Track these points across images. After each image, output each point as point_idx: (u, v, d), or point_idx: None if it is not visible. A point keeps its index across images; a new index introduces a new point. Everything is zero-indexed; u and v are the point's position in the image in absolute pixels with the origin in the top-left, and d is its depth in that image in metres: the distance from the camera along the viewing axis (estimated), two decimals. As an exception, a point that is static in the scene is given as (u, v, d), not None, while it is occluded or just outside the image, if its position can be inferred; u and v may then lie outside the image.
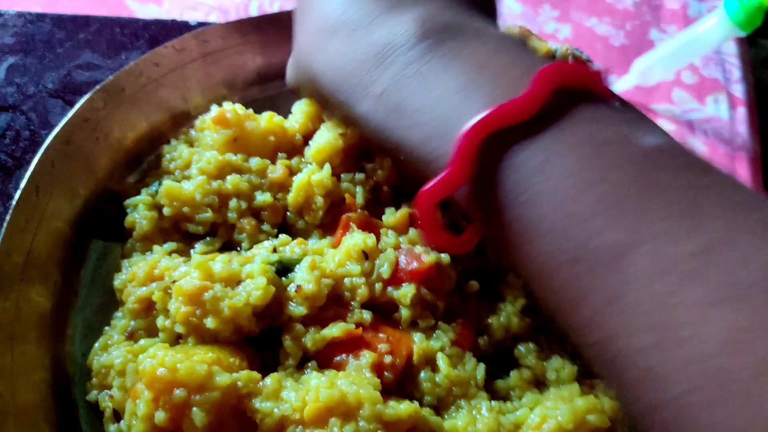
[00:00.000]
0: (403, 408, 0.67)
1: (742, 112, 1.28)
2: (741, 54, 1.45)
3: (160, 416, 0.64)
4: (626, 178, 0.48)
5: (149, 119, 0.90)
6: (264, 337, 0.74)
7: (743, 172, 1.21)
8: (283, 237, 0.80)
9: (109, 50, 1.00)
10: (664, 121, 1.27)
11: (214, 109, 0.85)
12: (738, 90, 1.34)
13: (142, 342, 0.73)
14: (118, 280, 0.77)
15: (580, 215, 0.48)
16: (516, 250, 0.55)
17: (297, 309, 0.73)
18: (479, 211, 0.59)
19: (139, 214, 0.80)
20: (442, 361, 0.73)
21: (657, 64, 1.20)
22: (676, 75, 1.36)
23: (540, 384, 0.78)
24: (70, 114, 0.81)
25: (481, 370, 0.75)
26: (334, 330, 0.72)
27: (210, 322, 0.69)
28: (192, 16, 1.19)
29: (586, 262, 0.48)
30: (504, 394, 0.77)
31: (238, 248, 0.82)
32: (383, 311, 0.77)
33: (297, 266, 0.75)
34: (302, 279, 0.73)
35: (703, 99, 1.32)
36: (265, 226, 0.82)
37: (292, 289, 0.73)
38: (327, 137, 0.83)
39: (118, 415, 0.70)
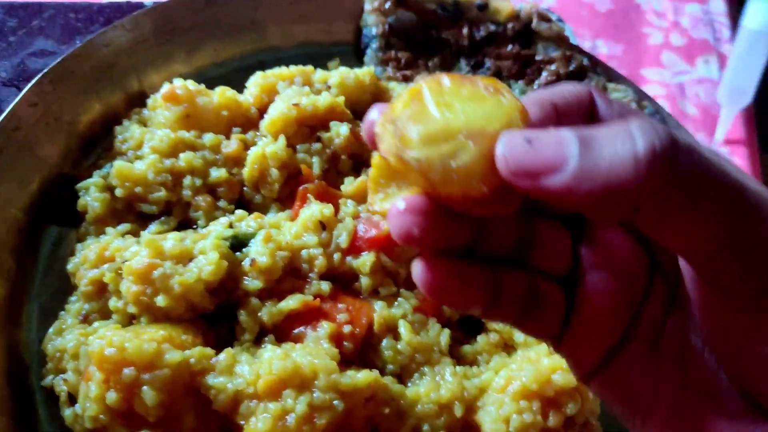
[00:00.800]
0: (360, 377, 0.65)
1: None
2: (730, 13, 1.41)
3: (112, 396, 0.62)
4: None
5: (102, 101, 0.88)
6: (221, 313, 0.72)
7: (738, 130, 1.17)
8: (239, 212, 0.78)
9: (63, 36, 0.98)
10: (655, 86, 1.24)
11: (165, 86, 0.83)
12: (728, 50, 1.31)
13: (95, 325, 0.71)
14: (71, 264, 0.76)
15: None
16: None
17: (252, 283, 0.71)
18: None
19: (90, 196, 0.79)
20: (403, 328, 0.72)
21: (740, 81, 1.13)
22: (664, 38, 1.33)
23: (509, 347, 0.76)
24: (16, 100, 0.80)
25: (445, 336, 0.73)
26: (291, 302, 0.71)
27: (161, 300, 0.67)
28: None
29: None
30: (472, 359, 0.75)
31: (195, 226, 0.80)
32: (343, 281, 0.75)
33: (252, 240, 0.74)
34: (256, 252, 0.72)
35: (693, 60, 1.29)
36: (222, 203, 0.81)
37: (246, 263, 0.72)
38: (280, 108, 0.81)
39: (73, 399, 0.69)
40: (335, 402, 0.63)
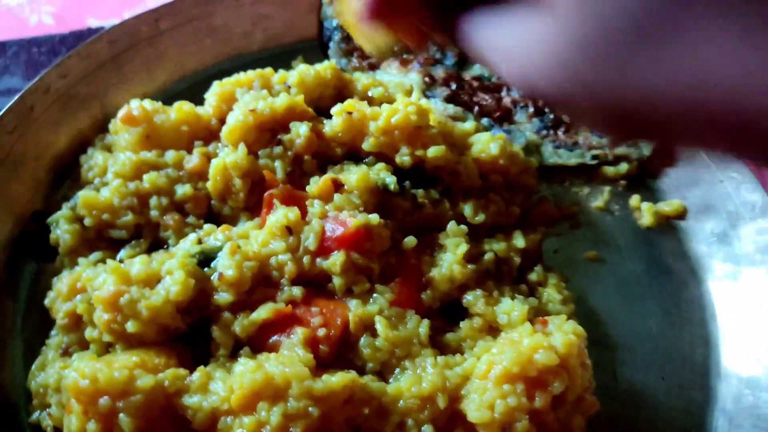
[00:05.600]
0: (335, 380, 0.64)
1: None
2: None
3: (92, 427, 0.63)
4: None
5: (68, 132, 0.88)
6: (197, 331, 0.72)
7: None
8: (207, 227, 0.78)
9: (28, 72, 0.99)
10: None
11: (123, 109, 0.82)
12: None
13: (74, 357, 0.72)
14: (48, 299, 0.76)
15: None
16: None
17: (222, 297, 0.70)
18: None
19: (61, 229, 0.79)
20: (379, 324, 0.70)
21: None
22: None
23: (494, 330, 0.74)
24: (-22, 144, 0.80)
25: (424, 327, 0.71)
26: (262, 312, 0.70)
27: (131, 326, 0.67)
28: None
29: None
30: (455, 346, 0.73)
31: (166, 246, 0.80)
32: (316, 284, 0.74)
33: (219, 253, 0.73)
34: (223, 266, 0.71)
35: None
36: (191, 219, 0.80)
37: (215, 277, 0.71)
38: (236, 115, 0.80)
39: (59, 432, 0.70)
40: (310, 409, 0.62)
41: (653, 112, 0.40)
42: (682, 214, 0.88)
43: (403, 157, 0.80)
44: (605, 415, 0.71)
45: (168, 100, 0.87)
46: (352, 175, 0.77)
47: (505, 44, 0.45)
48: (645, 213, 0.88)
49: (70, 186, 0.87)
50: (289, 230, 0.73)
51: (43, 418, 0.71)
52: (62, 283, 0.74)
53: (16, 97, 0.84)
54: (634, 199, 0.89)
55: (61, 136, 0.88)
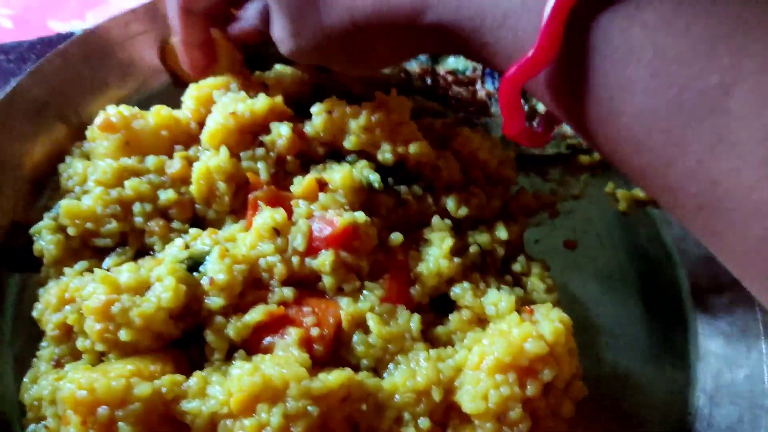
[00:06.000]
0: (332, 378, 0.65)
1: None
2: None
3: (91, 438, 0.63)
4: (718, 19, 0.46)
5: (44, 142, 0.87)
6: (190, 336, 0.72)
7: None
8: (193, 231, 0.78)
9: (-3, 79, 0.97)
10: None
11: (100, 116, 0.82)
12: None
13: (67, 368, 0.72)
14: (36, 310, 0.75)
15: (678, 61, 0.47)
16: (604, 122, 0.53)
17: (214, 301, 0.70)
18: (561, 93, 0.56)
19: (44, 240, 0.78)
20: (371, 321, 0.71)
21: None
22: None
23: (483, 322, 0.76)
24: (-47, 155, 0.79)
25: (415, 322, 0.72)
26: (255, 314, 0.70)
27: (124, 335, 0.67)
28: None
29: (687, 109, 0.47)
30: (446, 339, 0.75)
31: (152, 252, 0.79)
32: (307, 284, 0.75)
33: (207, 258, 0.73)
34: (213, 270, 0.71)
35: None
36: (176, 224, 0.80)
37: (205, 282, 0.71)
38: (216, 119, 0.80)
39: (57, 445, 0.69)
40: (310, 408, 0.63)
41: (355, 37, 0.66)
42: (656, 200, 0.90)
43: (385, 154, 0.81)
44: (591, 399, 0.74)
45: (142, 104, 0.86)
46: (336, 174, 0.78)
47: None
48: (620, 199, 0.91)
49: (50, 195, 0.86)
50: (277, 232, 0.74)
51: (40, 431, 0.70)
52: (50, 294, 0.73)
53: (-11, 107, 0.82)
54: (610, 186, 0.92)
55: (38, 145, 0.86)
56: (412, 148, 0.80)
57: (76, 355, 0.73)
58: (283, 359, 0.67)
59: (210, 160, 0.78)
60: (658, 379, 0.81)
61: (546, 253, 0.87)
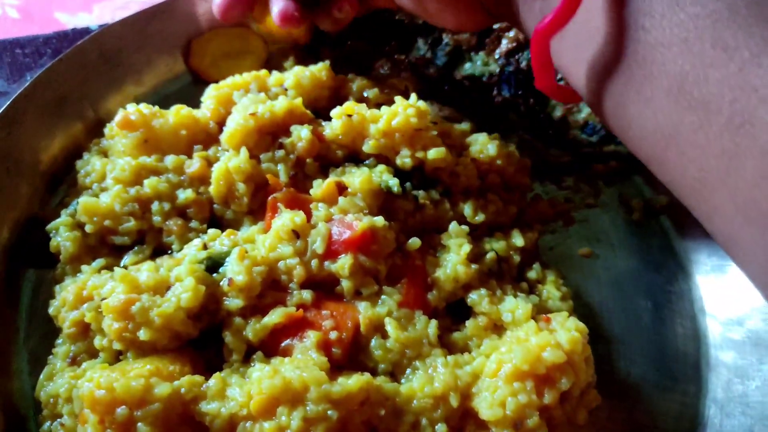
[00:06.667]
0: (351, 382, 0.65)
1: None
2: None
3: (109, 437, 0.63)
4: None
5: (61, 137, 0.87)
6: (207, 337, 0.72)
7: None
8: (212, 231, 0.78)
9: (13, 74, 0.97)
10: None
11: (119, 114, 0.82)
12: None
13: (84, 365, 0.71)
14: (52, 307, 0.75)
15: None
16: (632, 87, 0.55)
17: (233, 303, 0.71)
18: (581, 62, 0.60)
19: (61, 236, 0.78)
20: (390, 326, 0.71)
21: None
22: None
23: (499, 328, 0.76)
24: (-29, 150, 0.79)
25: (432, 327, 0.73)
26: (274, 317, 0.70)
27: (143, 334, 0.67)
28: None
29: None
30: (462, 345, 0.75)
31: (170, 251, 0.79)
32: (325, 287, 0.75)
33: (227, 259, 0.73)
34: (232, 271, 0.71)
35: None
36: (194, 224, 0.80)
37: (224, 283, 0.71)
38: (237, 119, 0.80)
39: (73, 443, 0.69)
40: (329, 412, 0.63)
41: None
42: (670, 210, 0.91)
43: (404, 159, 0.81)
44: (604, 407, 0.74)
45: (159, 102, 0.86)
46: (356, 178, 0.78)
47: None
48: (634, 208, 0.91)
49: (66, 191, 0.86)
50: (296, 234, 0.74)
51: (55, 429, 0.70)
52: (67, 291, 0.73)
53: (8, 102, 0.82)
54: (624, 196, 0.92)
55: (54, 140, 0.86)
56: (431, 154, 0.80)
57: (92, 353, 0.73)
58: (303, 362, 0.67)
59: (230, 161, 0.78)
60: (669, 388, 0.81)
61: (560, 261, 0.87)
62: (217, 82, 0.87)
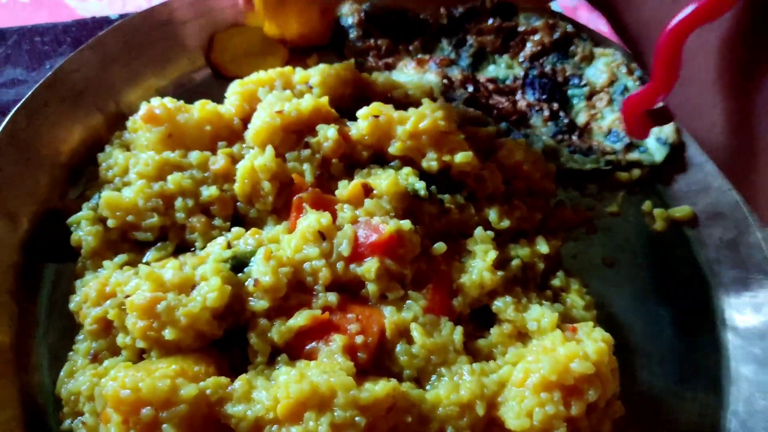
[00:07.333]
0: (378, 388, 0.64)
1: None
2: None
3: (132, 437, 0.62)
4: None
5: (81, 128, 0.86)
6: (230, 337, 0.71)
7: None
8: (236, 230, 0.77)
9: (32, 62, 0.95)
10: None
11: (143, 107, 0.80)
12: None
13: (106, 363, 0.71)
14: (73, 303, 0.74)
15: None
16: None
17: (258, 303, 0.70)
18: None
19: (83, 230, 0.77)
20: (416, 331, 0.71)
21: None
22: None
23: (523, 336, 0.75)
24: (-7, 140, 0.77)
25: (458, 334, 0.72)
26: (300, 319, 0.69)
27: (168, 334, 0.66)
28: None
29: None
30: (487, 352, 0.74)
31: (193, 248, 0.78)
32: (350, 289, 0.74)
33: (252, 259, 0.72)
34: (258, 272, 0.70)
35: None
36: (217, 221, 0.79)
37: (250, 283, 0.70)
38: (263, 117, 0.79)
39: (93, 442, 0.68)
40: (357, 418, 0.63)
41: None
42: (692, 221, 0.91)
43: (430, 162, 0.80)
44: (626, 418, 0.74)
45: (181, 96, 0.85)
46: (382, 180, 0.77)
47: None
48: (657, 218, 0.91)
49: (86, 184, 0.84)
50: (322, 235, 0.73)
51: (77, 427, 0.69)
52: (89, 287, 0.72)
53: (29, 91, 0.81)
54: (646, 205, 0.92)
55: (74, 132, 0.85)
56: (458, 158, 0.79)
57: (114, 351, 0.72)
58: (329, 366, 0.66)
59: (255, 159, 0.77)
60: (690, 400, 0.81)
61: (583, 269, 0.87)
62: (235, 78, 0.86)
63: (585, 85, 0.97)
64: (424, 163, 0.81)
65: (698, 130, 0.60)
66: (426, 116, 0.79)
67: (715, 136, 0.58)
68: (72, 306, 0.74)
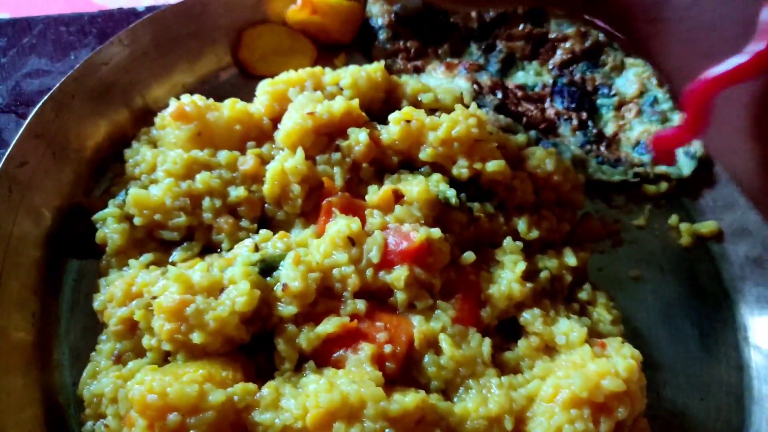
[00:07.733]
0: (408, 400, 0.64)
1: None
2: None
3: (157, 443, 0.61)
4: None
5: (108, 123, 0.84)
6: (257, 342, 0.71)
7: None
8: (263, 232, 0.76)
9: (56, 53, 0.94)
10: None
11: (173, 104, 0.79)
12: None
13: (130, 365, 0.70)
14: (97, 302, 0.73)
15: None
16: None
17: (286, 309, 0.69)
18: None
19: (109, 228, 0.76)
20: (444, 342, 0.70)
21: None
22: None
23: (550, 350, 0.75)
24: (19, 133, 0.76)
25: (486, 346, 0.71)
26: (328, 326, 0.69)
27: (196, 337, 0.65)
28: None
29: None
30: (514, 365, 0.74)
31: (219, 249, 0.77)
32: (378, 297, 0.73)
33: (281, 263, 0.71)
34: (287, 277, 0.69)
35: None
36: (244, 222, 0.78)
37: (278, 288, 0.69)
38: (295, 118, 0.78)
39: (116, 444, 0.68)
40: (387, 430, 0.62)
41: None
42: (718, 236, 0.90)
43: (461, 170, 0.79)
44: (649, 435, 0.73)
45: (208, 93, 0.84)
46: (413, 187, 0.76)
47: None
48: (683, 233, 0.90)
49: (111, 180, 0.83)
50: (352, 241, 0.72)
51: (99, 429, 0.68)
52: (114, 286, 0.71)
53: (57, 84, 0.79)
54: (673, 219, 0.91)
55: (101, 126, 0.84)
56: (490, 166, 0.79)
57: (138, 352, 0.71)
58: (358, 376, 0.65)
59: (286, 162, 0.76)
60: (713, 418, 0.80)
61: (609, 282, 0.86)
62: (263, 76, 0.85)
63: (614, 95, 0.96)
64: (455, 170, 0.80)
65: (732, 169, 0.61)
66: (459, 123, 0.79)
67: (747, 178, 0.59)
68: (96, 305, 0.73)
